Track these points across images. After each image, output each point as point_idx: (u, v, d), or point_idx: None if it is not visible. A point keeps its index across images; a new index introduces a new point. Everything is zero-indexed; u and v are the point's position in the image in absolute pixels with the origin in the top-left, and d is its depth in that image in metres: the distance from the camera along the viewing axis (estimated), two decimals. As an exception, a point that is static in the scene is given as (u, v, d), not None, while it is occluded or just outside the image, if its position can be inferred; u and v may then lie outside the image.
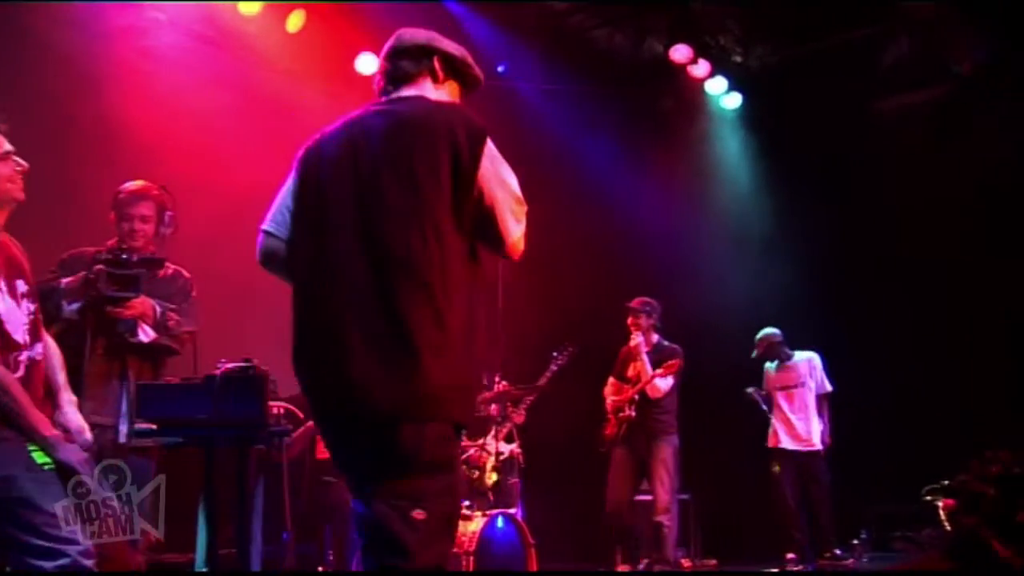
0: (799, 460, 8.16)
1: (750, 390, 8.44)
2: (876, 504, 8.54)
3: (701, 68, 9.33)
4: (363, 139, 2.83)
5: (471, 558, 5.48)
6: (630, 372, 7.63)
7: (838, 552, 7.92)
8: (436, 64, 2.99)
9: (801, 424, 8.20)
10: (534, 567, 5.89)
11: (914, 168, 8.49)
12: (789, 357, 8.33)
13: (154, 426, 3.95)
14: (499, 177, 2.80)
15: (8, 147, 3.46)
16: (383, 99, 2.99)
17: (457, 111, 2.86)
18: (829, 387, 8.30)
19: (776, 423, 8.28)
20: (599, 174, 8.87)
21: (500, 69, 8.77)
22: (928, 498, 6.39)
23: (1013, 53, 8.32)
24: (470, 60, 3.08)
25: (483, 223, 2.79)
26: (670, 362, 7.38)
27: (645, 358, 7.44)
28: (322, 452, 6.48)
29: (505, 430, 6.53)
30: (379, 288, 2.68)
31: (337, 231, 2.78)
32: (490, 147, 2.79)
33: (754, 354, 8.30)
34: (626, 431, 7.46)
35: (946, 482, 5.78)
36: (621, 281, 8.47)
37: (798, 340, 8.37)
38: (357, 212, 2.76)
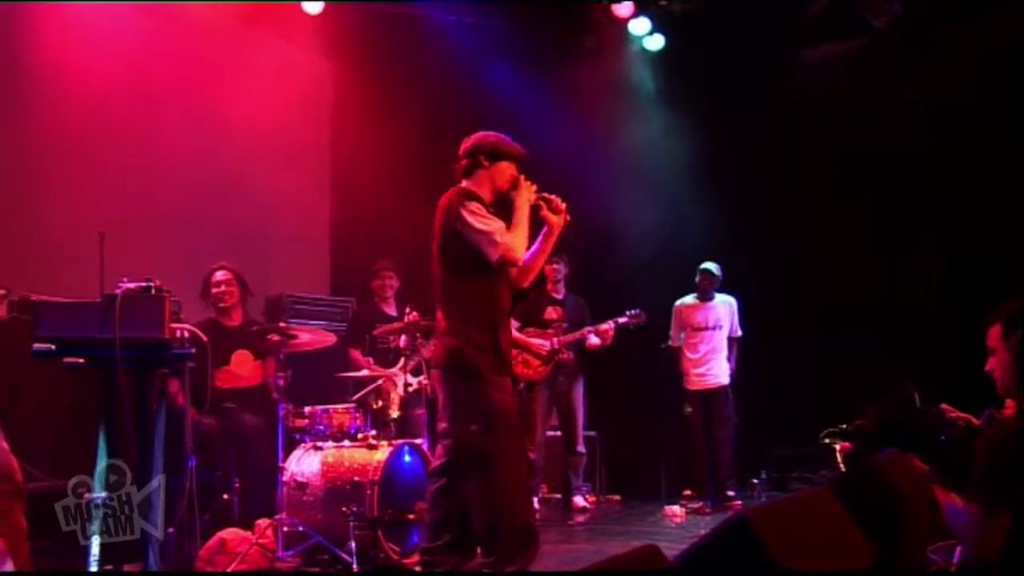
0: (707, 399, 8.31)
1: (664, 346, 8.58)
2: (775, 446, 8.75)
3: (625, 8, 9.29)
4: None
5: (376, 487, 5.48)
6: (548, 315, 7.83)
7: (730, 493, 8.10)
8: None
9: (712, 364, 8.35)
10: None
11: (829, 116, 8.59)
12: (712, 298, 8.43)
13: (52, 346, 3.86)
14: None
15: None
16: None
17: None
18: (739, 332, 8.45)
19: (687, 364, 8.40)
20: (517, 109, 8.76)
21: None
22: (826, 441, 6.53)
23: (923, 11, 8.45)
24: None
25: None
26: (634, 311, 7.82)
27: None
28: (223, 381, 6.40)
29: (413, 363, 6.49)
30: None
31: None
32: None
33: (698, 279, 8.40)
34: (552, 372, 7.90)
35: (844, 426, 5.91)
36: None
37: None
38: None
